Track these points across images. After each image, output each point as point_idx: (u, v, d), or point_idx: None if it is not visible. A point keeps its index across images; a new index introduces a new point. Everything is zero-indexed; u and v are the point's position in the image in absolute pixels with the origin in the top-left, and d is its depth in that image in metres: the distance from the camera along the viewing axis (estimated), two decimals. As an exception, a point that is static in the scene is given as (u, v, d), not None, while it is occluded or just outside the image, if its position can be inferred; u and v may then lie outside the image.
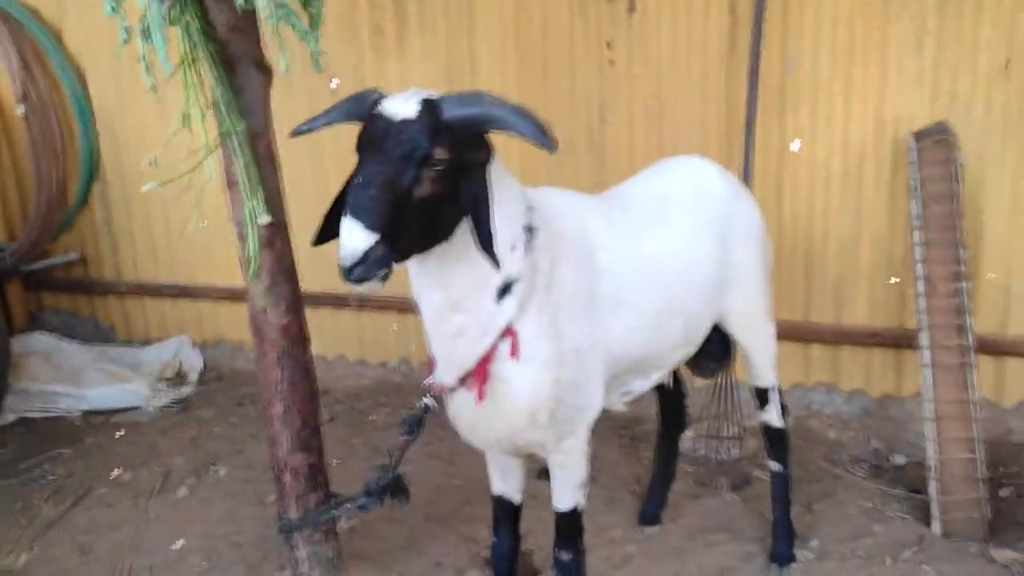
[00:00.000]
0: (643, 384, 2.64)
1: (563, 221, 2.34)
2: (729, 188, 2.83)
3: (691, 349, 2.76)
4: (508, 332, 2.21)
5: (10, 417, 4.71)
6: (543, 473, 3.90)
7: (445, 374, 2.28)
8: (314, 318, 5.03)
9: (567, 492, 2.51)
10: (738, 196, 2.85)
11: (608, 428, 4.37)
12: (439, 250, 2.10)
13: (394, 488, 2.68)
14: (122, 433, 4.58)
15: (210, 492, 3.95)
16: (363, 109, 2.07)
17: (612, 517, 3.62)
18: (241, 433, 4.51)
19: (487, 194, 2.05)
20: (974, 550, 3.24)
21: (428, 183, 1.98)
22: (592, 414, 2.44)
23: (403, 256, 2.02)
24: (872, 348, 4.14)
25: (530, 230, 2.20)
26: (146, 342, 5.51)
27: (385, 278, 1.95)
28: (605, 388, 2.49)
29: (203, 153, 2.44)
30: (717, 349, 3.00)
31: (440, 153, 1.98)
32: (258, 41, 2.62)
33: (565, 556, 2.57)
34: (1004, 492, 3.63)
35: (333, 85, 4.70)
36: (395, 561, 3.37)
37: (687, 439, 3.95)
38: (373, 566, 3.30)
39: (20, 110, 5.12)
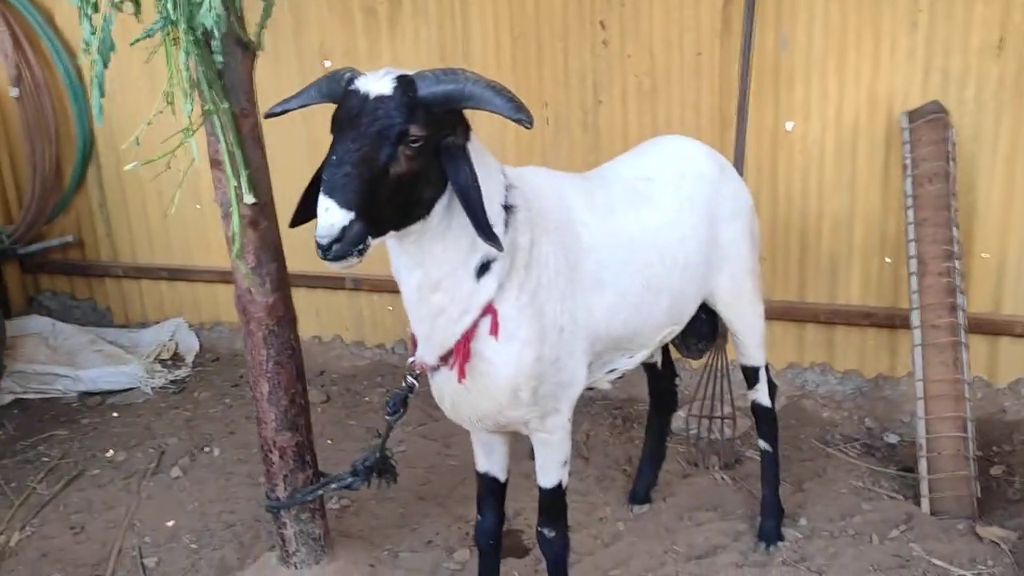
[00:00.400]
0: (628, 362, 2.64)
1: (544, 200, 2.33)
2: (716, 168, 2.82)
3: (677, 328, 2.75)
4: (488, 310, 2.20)
5: (7, 398, 4.73)
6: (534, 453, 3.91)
7: (427, 353, 2.28)
8: (311, 299, 5.10)
9: (551, 469, 2.51)
10: (725, 176, 2.83)
11: (602, 408, 4.38)
12: (418, 229, 2.08)
13: (380, 468, 2.69)
14: (117, 414, 4.60)
15: (204, 472, 3.97)
16: (337, 88, 2.06)
17: (603, 496, 3.64)
18: (236, 414, 4.53)
19: (475, 175, 2.04)
20: (962, 528, 3.24)
21: (404, 160, 1.97)
22: (575, 391, 2.44)
23: (380, 233, 2.00)
24: (867, 328, 4.13)
25: (509, 208, 2.19)
26: (143, 324, 5.52)
27: (362, 254, 1.94)
28: (590, 366, 2.48)
29: (185, 134, 2.43)
30: (705, 328, 3.00)
31: (416, 130, 1.96)
32: (240, 19, 2.60)
33: (549, 533, 2.58)
34: (995, 471, 3.63)
35: (327, 66, 4.67)
36: (386, 539, 3.39)
37: (679, 419, 3.95)
38: (363, 544, 3.31)
39: (13, 93, 5.11)
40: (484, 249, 2.15)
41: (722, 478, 3.70)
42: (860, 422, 4.10)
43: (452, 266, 2.15)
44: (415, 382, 2.36)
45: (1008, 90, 3.67)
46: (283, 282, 2.80)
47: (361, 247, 1.92)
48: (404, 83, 1.99)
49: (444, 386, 2.34)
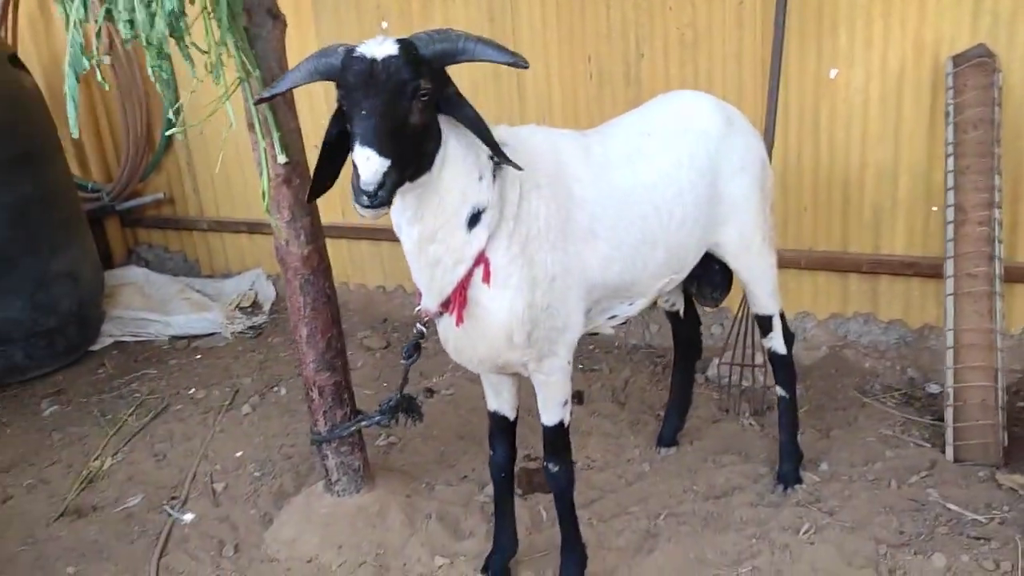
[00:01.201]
0: (628, 309, 2.77)
1: (536, 155, 2.47)
2: (722, 123, 2.88)
3: (677, 277, 2.86)
4: (481, 260, 2.38)
5: (107, 341, 5.22)
6: (574, 397, 4.11)
7: (429, 301, 2.48)
8: (375, 251, 5.39)
9: (551, 408, 2.69)
10: (732, 130, 2.90)
11: (644, 356, 4.52)
12: (423, 182, 2.26)
13: (407, 407, 2.92)
14: (200, 356, 5.03)
15: (270, 410, 4.33)
16: (333, 63, 2.19)
17: (633, 439, 3.80)
18: (305, 357, 4.87)
19: (477, 112, 2.24)
20: (983, 475, 3.26)
21: (418, 112, 2.15)
22: (570, 336, 2.59)
23: (402, 183, 2.17)
24: (911, 278, 4.11)
25: (496, 163, 2.35)
26: (226, 274, 5.95)
27: (391, 204, 2.14)
28: (589, 312, 2.64)
29: (219, 101, 2.68)
30: (718, 278, 3.10)
31: (425, 84, 2.14)
32: (271, -9, 2.82)
33: (553, 467, 2.77)
34: (1034, 421, 3.60)
35: (384, 26, 4.88)
36: (425, 473, 3.66)
37: (713, 366, 4.05)
38: (403, 477, 3.59)
39: (106, 60, 5.53)
40: (473, 200, 2.32)
41: (750, 424, 3.80)
42: (902, 372, 4.11)
43: (446, 217, 2.32)
44: (424, 329, 2.57)
45: (1059, 32, 3.55)
46: (317, 235, 3.04)
47: (393, 195, 2.11)
48: (406, 44, 2.16)
49: (447, 332, 2.54)
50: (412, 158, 2.17)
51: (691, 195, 2.75)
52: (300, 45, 5.04)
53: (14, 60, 4.70)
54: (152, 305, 5.49)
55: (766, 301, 3.14)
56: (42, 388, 4.71)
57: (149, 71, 2.58)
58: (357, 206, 2.07)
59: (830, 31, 3.93)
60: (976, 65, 3.60)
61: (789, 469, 3.33)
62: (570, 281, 2.51)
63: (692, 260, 2.88)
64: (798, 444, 3.37)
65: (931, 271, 4.02)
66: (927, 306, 4.14)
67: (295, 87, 2.35)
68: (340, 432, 3.19)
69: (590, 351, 4.63)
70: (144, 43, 2.43)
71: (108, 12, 2.43)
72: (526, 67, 2.15)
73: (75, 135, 2.53)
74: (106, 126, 5.98)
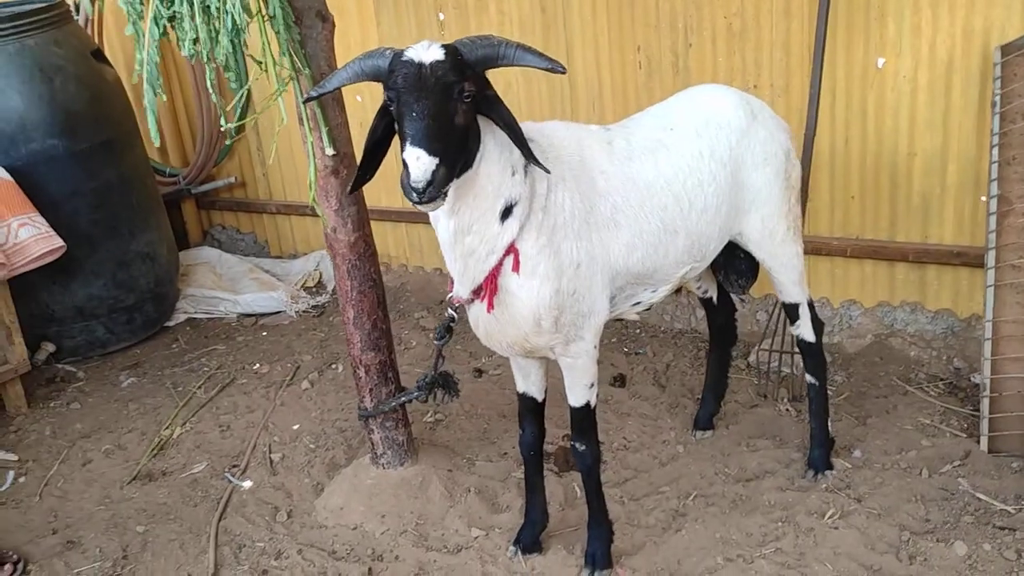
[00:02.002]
0: (652, 296, 2.89)
1: (561, 150, 2.60)
2: (746, 116, 2.96)
3: (700, 265, 2.96)
4: (511, 250, 2.54)
5: (180, 317, 5.55)
6: (616, 380, 4.25)
7: (461, 288, 2.64)
8: (431, 235, 5.53)
9: (578, 390, 2.83)
10: (756, 123, 2.97)
11: (688, 340, 4.60)
12: (458, 180, 2.42)
13: (443, 383, 3.10)
14: (266, 333, 5.31)
15: (328, 386, 4.57)
16: (380, 64, 2.34)
17: (670, 421, 3.91)
18: (363, 336, 5.10)
19: (512, 115, 2.39)
20: (1016, 466, 3.27)
21: (462, 113, 2.31)
22: (596, 321, 2.72)
23: (451, 180, 2.32)
24: (959, 268, 4.08)
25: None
26: (294, 255, 6.23)
27: (445, 197, 2.29)
28: (614, 299, 2.77)
29: (272, 97, 2.88)
30: (743, 266, 3.19)
31: (468, 86, 2.30)
32: (322, -6, 3.00)
33: (580, 446, 2.91)
34: (1080, 415, 3.57)
35: (441, 17, 5.03)
36: (467, 449, 3.84)
37: (754, 352, 4.12)
38: (445, 452, 3.78)
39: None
40: (507, 195, 2.47)
41: (787, 410, 3.86)
42: (948, 362, 4.10)
43: (481, 211, 2.48)
44: (455, 314, 2.74)
45: (1113, 19, 3.48)
46: (363, 222, 3.24)
47: (445, 190, 2.27)
48: (451, 50, 2.31)
49: (478, 317, 2.70)
50: (458, 156, 2.32)
51: (712, 186, 2.84)
52: (363, 38, 5.30)
53: (97, 55, 5.01)
54: (223, 284, 5.80)
55: (792, 289, 3.20)
56: (121, 361, 5.05)
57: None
58: (412, 200, 2.22)
59: (878, 20, 3.91)
60: (1025, 54, 3.56)
61: (819, 455, 3.39)
62: (595, 268, 2.65)
63: (714, 249, 2.97)
64: (829, 431, 3.43)
65: (979, 261, 3.96)
66: (976, 296, 4.10)
67: (342, 87, 2.51)
68: (383, 408, 3.39)
69: (636, 334, 4.73)
70: (205, 59, 2.63)
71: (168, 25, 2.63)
72: (564, 72, 2.28)
73: (156, 143, 2.75)
74: (184, 115, 6.31)
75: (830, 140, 4.16)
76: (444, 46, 2.32)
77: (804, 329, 3.30)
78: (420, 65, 2.27)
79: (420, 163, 2.18)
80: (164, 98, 2.75)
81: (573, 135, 2.69)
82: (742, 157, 2.91)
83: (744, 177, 2.93)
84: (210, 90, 2.75)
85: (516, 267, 2.54)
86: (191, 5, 2.56)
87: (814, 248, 4.32)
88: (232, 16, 2.56)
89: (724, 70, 4.31)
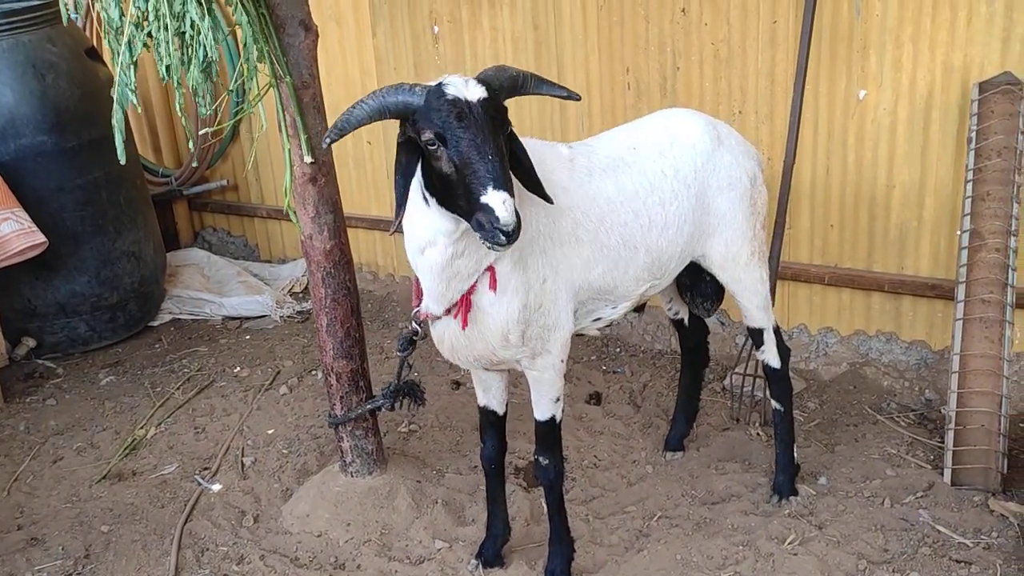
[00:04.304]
0: (612, 312, 2.95)
1: None
2: (711, 140, 3.02)
3: (660, 283, 3.02)
4: (488, 268, 2.57)
5: (166, 317, 5.56)
6: (592, 398, 4.26)
7: (435, 306, 2.65)
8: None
9: (543, 404, 2.86)
10: (722, 148, 3.03)
11: (668, 361, 4.61)
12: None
13: (409, 392, 3.13)
14: (249, 337, 5.33)
15: (306, 392, 4.59)
16: (413, 100, 2.30)
17: (642, 441, 3.92)
18: (344, 344, 5.13)
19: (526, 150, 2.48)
20: (978, 500, 3.29)
21: (506, 147, 2.37)
22: (561, 335, 2.76)
23: None
24: (934, 300, 4.11)
25: None
26: (283, 260, 6.26)
27: None
28: (576, 313, 2.81)
29: (250, 104, 2.92)
30: (709, 289, 3.24)
31: (507, 120, 2.37)
32: (306, 3, 3.04)
33: (544, 460, 2.94)
34: (1044, 451, 3.60)
35: (435, 31, 5.08)
36: (438, 460, 3.85)
37: (729, 376, 4.14)
38: (415, 462, 3.79)
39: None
40: None
41: (758, 434, 3.88)
42: (920, 393, 4.12)
43: (473, 238, 2.50)
44: (419, 328, 2.77)
45: (1090, 61, 3.53)
46: (340, 231, 3.27)
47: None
48: (490, 85, 2.33)
49: (444, 332, 2.73)
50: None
51: (674, 204, 2.89)
52: (359, 47, 5.35)
53: (91, 53, 5.06)
54: (210, 286, 5.82)
55: (757, 314, 3.24)
56: (102, 359, 5.07)
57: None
58: (490, 245, 2.24)
59: (860, 53, 3.96)
60: (1002, 92, 3.61)
61: (784, 480, 3.42)
62: (559, 283, 2.70)
63: (675, 268, 3.03)
64: (794, 456, 3.46)
65: (953, 294, 4.02)
66: (950, 328, 4.12)
67: (362, 126, 2.41)
68: (351, 415, 3.41)
69: (615, 353, 4.75)
70: (176, 84, 2.67)
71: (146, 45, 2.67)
72: (578, 99, 2.42)
73: (123, 161, 2.78)
74: (179, 117, 6.33)
75: (811, 169, 4.20)
76: (480, 81, 2.33)
77: (769, 354, 3.33)
78: (470, 104, 2.28)
79: (507, 206, 2.20)
80: (140, 109, 2.79)
81: (536, 153, 2.73)
82: (707, 180, 2.97)
83: (709, 200, 2.98)
84: (179, 114, 2.76)
85: (493, 285, 2.57)
86: (166, 29, 2.59)
87: (793, 275, 4.36)
88: (204, 47, 2.60)
89: (710, 95, 4.36)
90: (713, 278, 3.17)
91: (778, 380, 3.37)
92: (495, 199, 2.19)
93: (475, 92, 2.29)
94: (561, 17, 4.68)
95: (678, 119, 3.08)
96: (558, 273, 2.68)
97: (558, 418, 2.90)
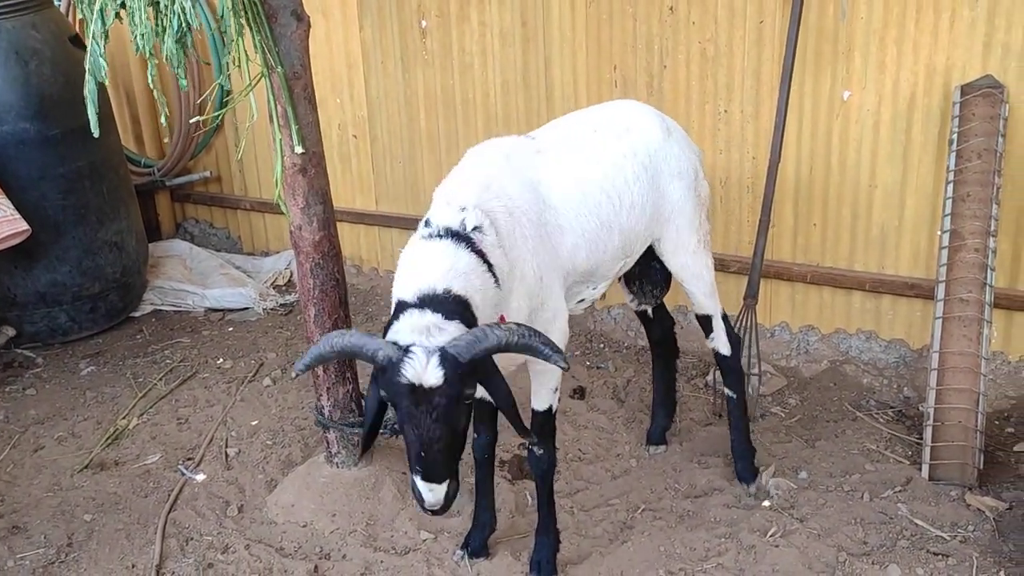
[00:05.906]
0: (593, 293, 3.06)
1: (502, 184, 2.71)
2: (661, 130, 3.12)
3: (629, 261, 3.13)
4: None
5: (147, 308, 5.53)
6: (576, 392, 4.29)
7: None
8: (403, 239, 5.59)
9: (543, 394, 2.91)
10: (671, 138, 3.14)
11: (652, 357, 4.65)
12: None
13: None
14: (232, 329, 5.30)
15: (289, 384, 4.57)
16: (378, 358, 2.24)
17: (626, 435, 3.96)
18: (327, 337, 5.13)
19: (503, 381, 2.41)
20: (955, 495, 3.35)
21: (466, 411, 2.37)
22: (560, 324, 2.83)
23: None
24: (914, 299, 4.18)
25: (472, 239, 2.52)
26: (266, 253, 6.23)
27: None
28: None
29: (241, 93, 2.91)
30: (658, 276, 3.36)
31: (469, 389, 2.30)
32: (298, -6, 3.04)
33: (538, 450, 2.98)
34: (1021, 447, 3.67)
35: (423, 25, 5.09)
36: (423, 453, 3.86)
37: (712, 372, 4.19)
38: (401, 454, 3.78)
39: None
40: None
41: (739, 429, 3.92)
42: (899, 390, 4.18)
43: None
44: None
45: (1069, 66, 3.60)
46: (329, 222, 3.27)
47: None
48: (449, 364, 2.21)
49: None
50: (462, 450, 2.44)
51: (637, 184, 2.98)
52: (345, 39, 5.34)
53: (75, 40, 5.01)
54: (192, 278, 5.79)
55: (704, 301, 3.34)
56: (83, 349, 5.03)
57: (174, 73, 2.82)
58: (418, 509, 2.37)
59: (845, 54, 4.02)
60: (983, 95, 3.67)
61: (743, 467, 3.51)
62: (552, 274, 2.76)
63: (640, 247, 3.13)
64: (751, 442, 3.56)
65: (932, 293, 4.08)
66: (929, 327, 4.19)
67: (322, 362, 2.58)
68: (341, 424, 3.42)
69: (599, 349, 4.79)
70: (148, 55, 2.65)
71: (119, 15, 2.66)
72: (567, 368, 2.35)
73: (95, 134, 2.77)
74: (162, 105, 6.29)
75: (795, 168, 4.25)
76: (442, 360, 2.21)
77: (719, 342, 3.42)
78: (424, 390, 2.21)
79: (434, 494, 2.30)
80: (106, 82, 2.76)
81: (504, 153, 2.79)
82: (660, 167, 3.07)
83: (663, 186, 3.08)
84: (151, 86, 2.75)
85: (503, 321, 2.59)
86: (139, -2, 2.58)
87: (776, 273, 4.41)
88: (179, 16, 2.59)
89: (697, 93, 4.40)
90: (662, 265, 3.27)
91: (729, 368, 3.46)
92: (422, 487, 2.31)
93: (432, 377, 2.20)
94: (549, 13, 4.69)
95: (630, 108, 3.20)
96: (551, 266, 2.75)
97: (555, 408, 2.95)
